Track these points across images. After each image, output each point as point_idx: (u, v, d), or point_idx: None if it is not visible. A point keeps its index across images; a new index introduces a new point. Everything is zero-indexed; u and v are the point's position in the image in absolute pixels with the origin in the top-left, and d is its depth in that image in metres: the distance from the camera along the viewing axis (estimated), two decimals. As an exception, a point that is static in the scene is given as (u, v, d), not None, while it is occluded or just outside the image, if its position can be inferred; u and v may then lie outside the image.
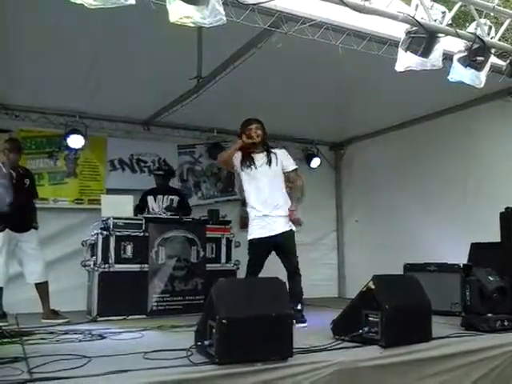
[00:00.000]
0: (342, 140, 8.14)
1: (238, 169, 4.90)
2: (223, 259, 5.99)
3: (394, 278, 3.82)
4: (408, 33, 3.69)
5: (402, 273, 5.41)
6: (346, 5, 3.39)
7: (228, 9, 3.40)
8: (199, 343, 3.17)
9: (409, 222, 6.69)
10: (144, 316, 5.34)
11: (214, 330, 2.96)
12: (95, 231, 5.62)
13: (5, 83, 5.36)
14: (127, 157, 7.00)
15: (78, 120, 6.52)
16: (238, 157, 4.87)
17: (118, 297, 5.25)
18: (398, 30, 3.90)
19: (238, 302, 3.06)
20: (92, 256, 5.60)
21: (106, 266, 5.37)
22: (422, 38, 3.67)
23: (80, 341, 3.82)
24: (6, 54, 4.69)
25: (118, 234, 5.49)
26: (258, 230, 4.73)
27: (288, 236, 4.75)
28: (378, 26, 4.05)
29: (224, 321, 2.92)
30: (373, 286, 3.57)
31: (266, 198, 4.72)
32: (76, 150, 6.57)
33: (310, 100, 6.11)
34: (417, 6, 3.66)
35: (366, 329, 3.48)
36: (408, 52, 3.71)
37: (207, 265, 5.83)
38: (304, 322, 4.55)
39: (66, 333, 4.14)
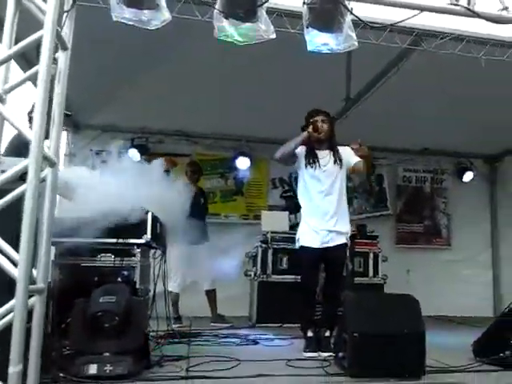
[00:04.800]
0: (498, 152, 7.42)
1: (300, 164, 3.98)
2: (371, 273, 5.89)
3: (541, 300, 3.43)
4: (554, 38, 3.31)
5: None
6: (479, 16, 3.13)
7: (366, 32, 3.41)
8: (335, 355, 3.21)
9: None
10: (298, 325, 5.47)
11: (346, 343, 2.99)
12: (256, 244, 5.93)
13: (187, 114, 5.88)
14: (287, 176, 7.23)
15: (244, 143, 6.89)
16: (301, 152, 3.98)
17: (275, 305, 5.40)
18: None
19: (369, 317, 3.04)
20: (253, 267, 5.91)
21: (265, 276, 5.63)
22: None
23: (237, 345, 4.09)
24: (186, 92, 5.19)
25: (275, 246, 5.73)
26: (308, 237, 3.89)
27: (340, 250, 3.91)
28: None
29: (355, 334, 2.93)
30: (516, 308, 3.26)
31: (326, 207, 3.86)
32: (243, 170, 6.98)
33: (461, 112, 5.67)
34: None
35: (507, 353, 3.19)
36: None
37: (355, 278, 5.77)
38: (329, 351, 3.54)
39: (226, 336, 4.45)
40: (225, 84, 5.07)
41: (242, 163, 6.86)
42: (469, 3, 3.02)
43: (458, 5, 3.02)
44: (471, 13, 3.05)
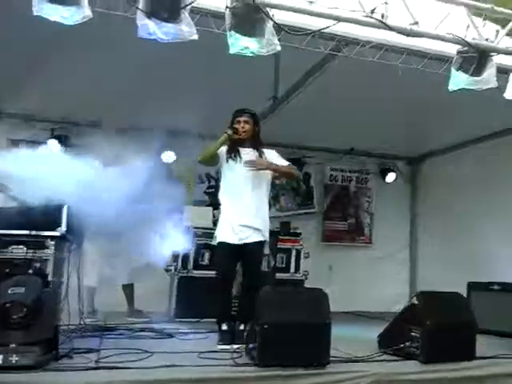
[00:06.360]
0: (420, 155, 8.06)
1: (222, 160, 4.26)
2: (292, 269, 6.25)
3: (439, 295, 3.83)
4: (459, 52, 3.74)
5: (466, 291, 5.31)
6: (392, 30, 3.51)
7: (291, 36, 3.65)
8: (246, 346, 3.48)
9: (484, 240, 6.45)
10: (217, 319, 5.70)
11: (257, 334, 3.25)
12: (178, 239, 6.09)
13: (109, 107, 5.82)
14: (214, 171, 7.36)
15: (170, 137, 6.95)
16: (223, 149, 4.26)
17: (194, 300, 5.61)
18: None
19: (280, 309, 3.32)
20: (174, 262, 6.07)
21: (185, 271, 5.82)
22: (474, 57, 3.70)
23: (151, 338, 4.26)
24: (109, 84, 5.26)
25: (197, 242, 5.91)
26: (225, 233, 4.19)
27: (257, 247, 4.19)
28: (437, 44, 4.07)
29: (265, 326, 3.21)
30: (416, 302, 3.66)
31: (245, 204, 4.14)
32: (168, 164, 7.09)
33: (384, 115, 6.11)
34: (468, 25, 3.70)
35: (407, 343, 3.59)
36: (460, 71, 3.76)
37: (277, 274, 6.08)
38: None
39: (142, 330, 4.60)
40: (151, 79, 5.17)
41: (168, 157, 7.00)
42: (382, 16, 3.37)
43: (372, 17, 3.37)
44: (384, 25, 3.40)
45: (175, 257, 6.06)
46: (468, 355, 3.59)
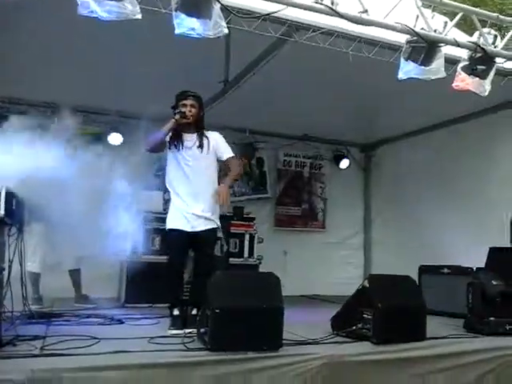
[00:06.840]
0: (373, 142, 8.19)
1: (166, 148, 4.22)
2: (246, 254, 6.27)
3: (389, 277, 3.94)
4: (408, 42, 3.81)
5: (418, 274, 5.47)
6: (342, 17, 3.55)
7: (241, 19, 3.63)
8: (198, 331, 3.45)
9: (435, 225, 6.69)
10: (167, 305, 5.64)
11: (208, 319, 3.23)
12: (128, 223, 5.97)
13: (56, 85, 5.57)
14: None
15: (118, 119, 6.82)
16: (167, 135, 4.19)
17: (145, 285, 5.54)
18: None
19: (232, 294, 3.34)
20: (124, 247, 5.93)
21: (135, 256, 5.71)
22: (422, 48, 3.77)
23: (99, 324, 4.20)
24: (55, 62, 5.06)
25: (147, 226, 5.81)
26: (176, 220, 4.15)
27: (209, 233, 4.20)
28: (388, 33, 4.13)
29: (217, 310, 3.21)
30: (367, 285, 3.74)
31: (193, 191, 4.09)
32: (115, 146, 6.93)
33: (339, 102, 6.15)
34: (417, 16, 3.76)
35: (359, 325, 3.67)
36: (409, 61, 3.82)
37: (230, 259, 6.10)
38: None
39: (88, 316, 4.52)
40: (95, 58, 5.02)
41: (115, 139, 6.83)
42: (332, 3, 3.39)
43: (322, 4, 3.37)
44: (334, 12, 3.42)
45: (125, 242, 5.95)
46: (419, 336, 3.71)
